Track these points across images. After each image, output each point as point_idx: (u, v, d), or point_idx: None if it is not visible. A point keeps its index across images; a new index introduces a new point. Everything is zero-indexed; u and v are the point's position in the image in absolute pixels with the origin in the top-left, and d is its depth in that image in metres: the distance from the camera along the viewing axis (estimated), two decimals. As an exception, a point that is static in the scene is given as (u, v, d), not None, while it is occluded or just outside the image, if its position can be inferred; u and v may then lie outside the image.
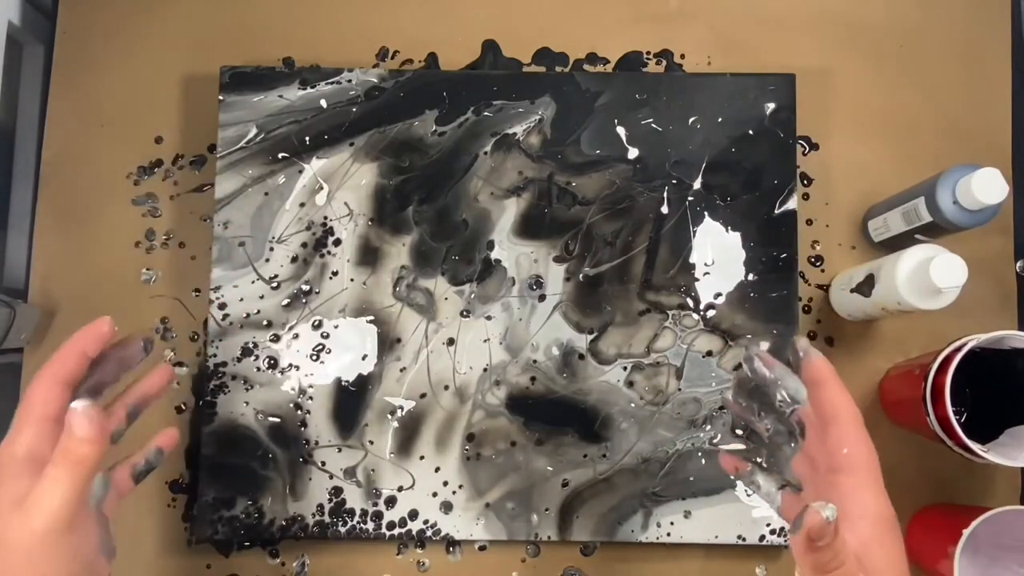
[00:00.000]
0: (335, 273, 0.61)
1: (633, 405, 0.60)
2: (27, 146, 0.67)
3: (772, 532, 0.58)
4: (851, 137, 0.65)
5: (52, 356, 0.44)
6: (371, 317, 0.61)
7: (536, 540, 0.59)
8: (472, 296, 0.61)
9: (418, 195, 0.62)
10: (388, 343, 0.60)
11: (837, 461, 0.41)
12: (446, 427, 0.60)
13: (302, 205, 0.62)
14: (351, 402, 0.60)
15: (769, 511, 0.58)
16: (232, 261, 0.61)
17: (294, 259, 0.61)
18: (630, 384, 0.60)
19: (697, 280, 0.61)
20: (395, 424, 0.60)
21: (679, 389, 0.60)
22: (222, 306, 0.61)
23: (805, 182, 0.65)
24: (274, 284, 0.61)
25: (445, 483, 0.59)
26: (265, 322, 0.60)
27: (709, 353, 0.60)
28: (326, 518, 0.59)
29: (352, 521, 0.59)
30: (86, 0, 0.67)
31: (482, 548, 0.61)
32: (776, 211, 0.61)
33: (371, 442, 0.59)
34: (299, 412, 0.60)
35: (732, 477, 0.49)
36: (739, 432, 0.59)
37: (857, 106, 0.66)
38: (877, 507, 0.40)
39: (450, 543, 0.61)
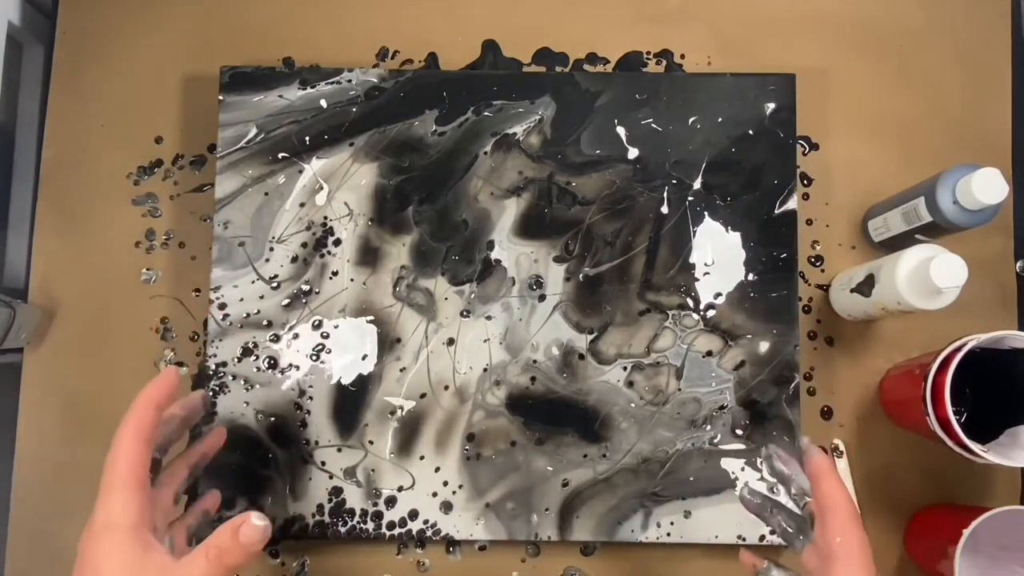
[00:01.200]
0: (335, 273, 0.61)
1: (633, 405, 0.60)
2: (27, 146, 0.67)
3: (772, 532, 0.58)
4: (851, 137, 0.65)
5: (129, 413, 0.44)
6: (371, 317, 0.61)
7: (536, 540, 0.59)
8: (472, 296, 0.61)
9: (418, 195, 0.62)
10: (388, 343, 0.60)
11: (831, 549, 0.45)
12: (446, 427, 0.60)
13: (302, 205, 0.62)
14: (351, 402, 0.60)
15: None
16: (232, 261, 0.61)
17: (294, 259, 0.61)
18: (630, 384, 0.60)
19: (697, 280, 0.61)
20: (395, 424, 0.60)
21: (679, 389, 0.60)
22: (222, 306, 0.60)
23: (805, 182, 0.65)
24: (274, 284, 0.61)
25: (445, 483, 0.59)
26: (265, 322, 0.60)
27: (709, 353, 0.60)
28: (326, 518, 0.59)
29: (352, 521, 0.59)
30: (86, 0, 0.67)
31: (482, 548, 0.61)
32: (776, 211, 0.61)
33: (371, 442, 0.59)
34: (299, 412, 0.60)
35: (751, 574, 0.52)
36: (739, 432, 0.59)
37: (857, 106, 0.66)
38: None
39: (450, 543, 0.61)
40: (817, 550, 0.47)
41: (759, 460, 0.53)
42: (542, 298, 0.61)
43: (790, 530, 0.49)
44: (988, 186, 0.52)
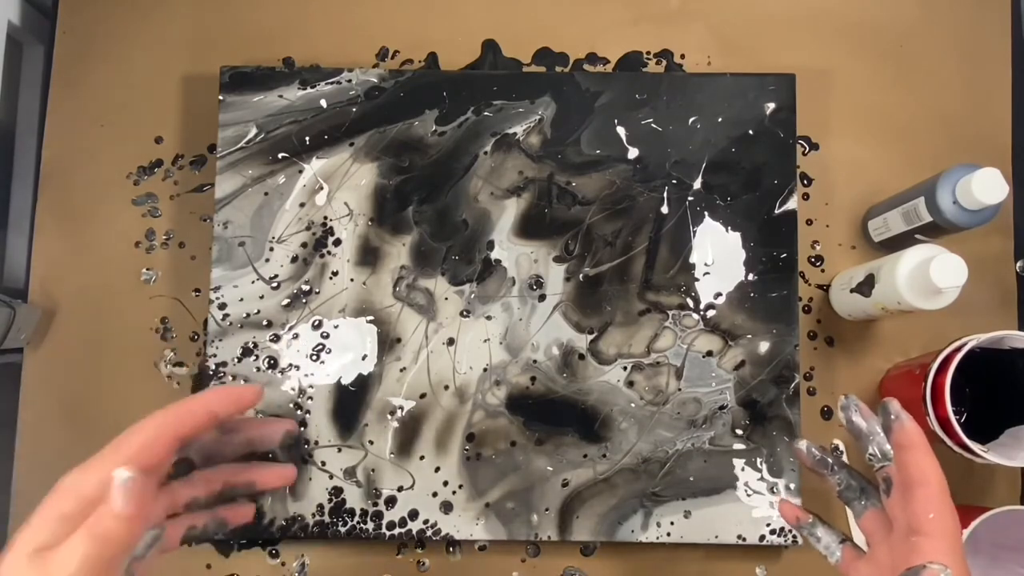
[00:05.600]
0: (335, 273, 0.61)
1: (633, 405, 0.60)
2: (27, 146, 0.67)
3: (772, 532, 0.58)
4: (851, 137, 0.65)
5: (179, 404, 0.41)
6: (371, 317, 0.61)
7: (536, 540, 0.59)
8: (472, 296, 0.61)
9: (418, 195, 0.62)
10: (388, 343, 0.60)
11: (920, 524, 0.42)
12: (446, 427, 0.60)
13: (302, 205, 0.62)
14: (351, 402, 0.60)
15: (770, 511, 0.58)
16: (232, 261, 0.61)
17: (294, 259, 0.61)
18: (630, 384, 0.60)
19: (697, 280, 0.61)
20: (395, 424, 0.60)
21: (679, 389, 0.60)
22: (222, 306, 0.60)
23: (805, 182, 0.65)
24: (274, 284, 0.61)
25: (445, 483, 0.59)
26: (265, 322, 0.60)
27: (709, 353, 0.60)
28: (326, 518, 0.59)
29: (352, 521, 0.59)
30: (86, 0, 0.67)
31: (482, 548, 0.61)
32: (776, 211, 0.61)
33: (371, 442, 0.59)
34: (299, 412, 0.60)
35: (792, 527, 0.49)
36: (739, 432, 0.59)
37: (857, 106, 0.66)
38: (958, 574, 0.42)
39: (450, 543, 0.61)
40: (886, 520, 0.45)
41: (839, 408, 0.47)
42: (542, 298, 0.61)
43: (851, 491, 0.47)
44: (988, 186, 0.52)
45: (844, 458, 0.62)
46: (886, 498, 0.45)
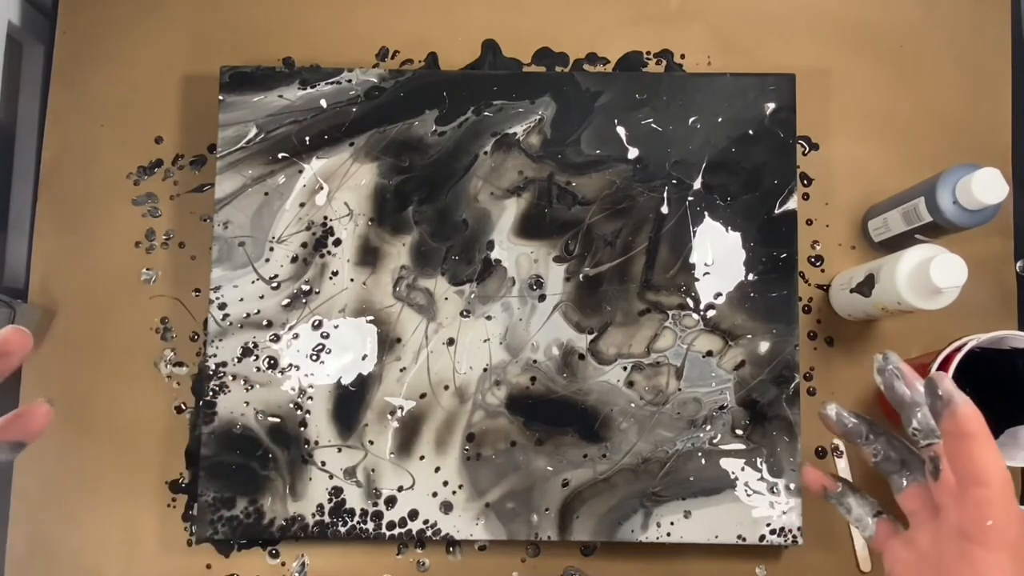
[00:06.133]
0: (335, 273, 0.61)
1: (633, 405, 0.60)
2: (27, 146, 0.67)
3: (772, 532, 0.58)
4: (851, 137, 0.65)
5: None
6: (371, 317, 0.61)
7: (536, 540, 0.59)
8: (472, 296, 0.61)
9: (418, 195, 0.62)
10: (388, 343, 0.60)
11: (976, 531, 0.35)
12: (446, 427, 0.60)
13: (302, 205, 0.62)
14: (351, 402, 0.60)
15: (769, 511, 0.58)
16: (232, 261, 0.61)
17: (294, 259, 0.61)
18: (630, 384, 0.60)
19: (697, 280, 0.61)
20: (395, 424, 0.60)
21: (679, 389, 0.60)
22: (222, 306, 0.60)
23: (805, 182, 0.65)
24: (274, 284, 0.61)
25: (445, 483, 0.59)
26: (265, 322, 0.60)
27: (709, 353, 0.60)
28: (326, 518, 0.59)
29: (352, 521, 0.59)
30: (86, 0, 0.67)
31: (482, 548, 0.61)
32: (776, 211, 0.61)
33: (371, 442, 0.59)
34: (299, 412, 0.60)
35: (821, 497, 0.44)
36: (739, 432, 0.59)
37: (857, 106, 0.66)
38: None
39: (450, 543, 0.61)
40: (932, 504, 0.39)
41: (875, 370, 0.41)
42: (542, 298, 0.61)
43: (889, 463, 0.41)
44: (988, 186, 0.52)
45: (844, 457, 0.61)
46: (933, 481, 0.39)
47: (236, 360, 0.60)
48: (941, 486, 0.38)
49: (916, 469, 0.41)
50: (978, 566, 0.35)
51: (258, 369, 0.60)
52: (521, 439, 0.59)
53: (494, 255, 0.61)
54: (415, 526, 0.59)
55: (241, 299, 0.61)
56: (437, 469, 0.59)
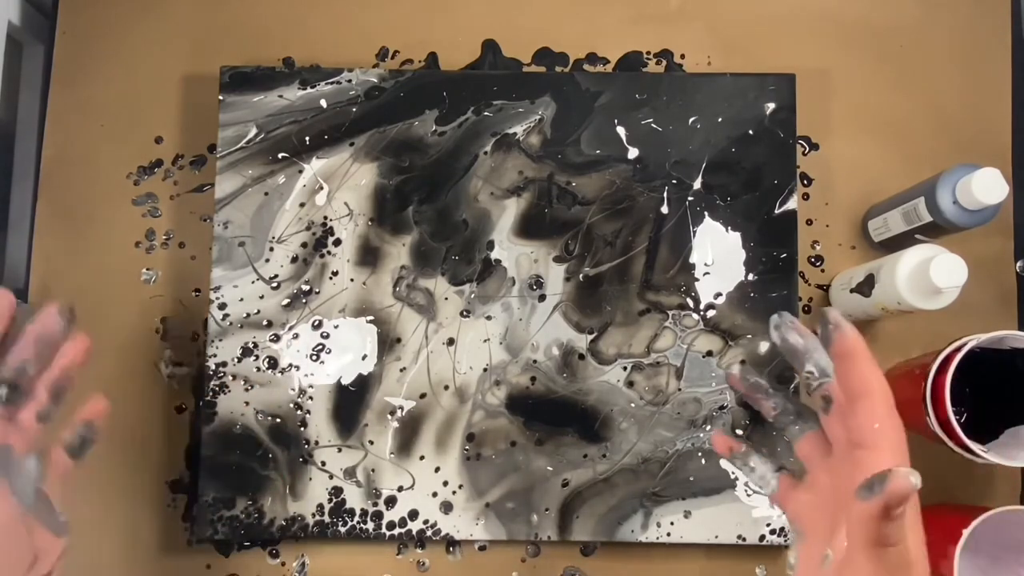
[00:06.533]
0: (335, 273, 0.61)
1: (633, 405, 0.60)
2: (27, 146, 0.67)
3: (772, 532, 0.58)
4: (851, 137, 0.65)
5: None
6: (371, 317, 0.61)
7: (536, 540, 0.59)
8: (472, 296, 0.61)
9: (418, 195, 0.62)
10: (388, 343, 0.60)
11: (864, 436, 0.40)
12: (446, 427, 0.60)
13: (302, 205, 0.62)
14: (351, 402, 0.60)
15: (769, 511, 0.58)
16: (232, 261, 0.61)
17: (294, 259, 0.61)
18: (630, 384, 0.60)
19: (697, 280, 0.61)
20: (395, 424, 0.60)
21: (679, 389, 0.60)
22: (222, 306, 0.60)
23: (805, 182, 0.65)
24: (274, 284, 0.61)
25: (445, 483, 0.59)
26: (265, 322, 0.60)
27: (709, 353, 0.60)
28: (326, 518, 0.59)
29: (352, 521, 0.59)
30: (86, 0, 0.67)
31: (482, 548, 0.61)
32: (776, 211, 0.61)
33: (371, 442, 0.59)
34: (299, 412, 0.60)
35: (724, 458, 0.47)
36: (739, 432, 0.59)
37: (857, 106, 0.66)
38: None
39: (450, 543, 0.61)
40: (824, 441, 0.43)
41: (771, 327, 0.44)
42: (542, 298, 0.61)
43: (786, 415, 0.45)
44: (988, 186, 0.52)
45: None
46: (825, 417, 0.42)
47: (236, 360, 0.60)
48: (831, 419, 0.42)
49: (809, 418, 0.44)
50: (866, 464, 0.39)
51: (258, 369, 0.60)
52: (521, 439, 0.59)
53: (494, 255, 0.61)
54: (415, 526, 0.59)
55: (241, 299, 0.61)
56: (437, 469, 0.59)
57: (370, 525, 0.59)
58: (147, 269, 0.64)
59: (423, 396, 0.60)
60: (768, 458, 0.46)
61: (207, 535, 0.59)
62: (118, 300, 0.64)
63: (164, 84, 0.66)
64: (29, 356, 0.45)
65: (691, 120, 0.62)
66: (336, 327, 0.61)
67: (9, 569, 0.40)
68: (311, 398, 0.60)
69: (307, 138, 0.62)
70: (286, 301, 0.61)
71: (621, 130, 0.62)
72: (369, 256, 0.61)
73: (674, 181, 0.62)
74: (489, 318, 0.61)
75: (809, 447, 0.44)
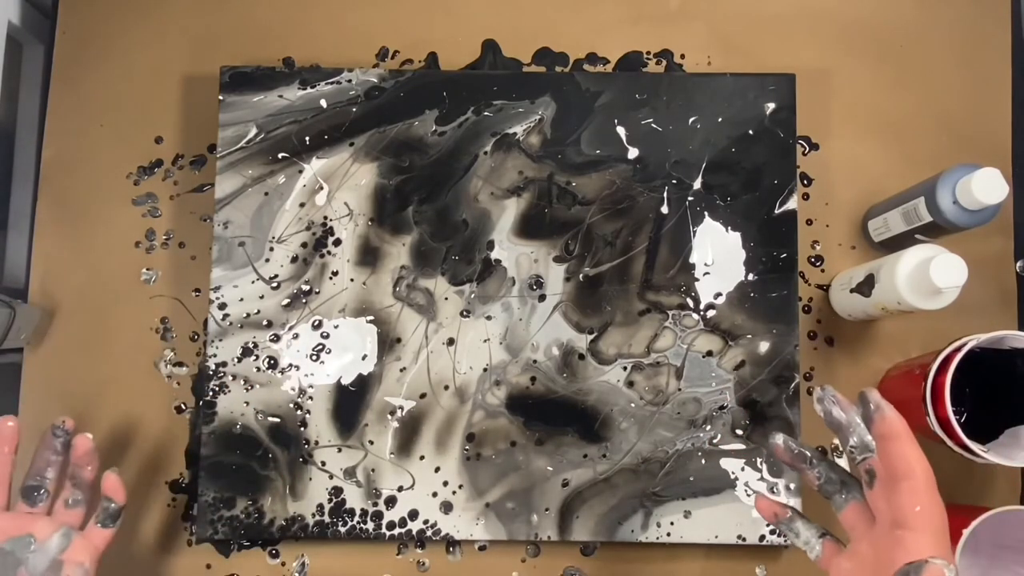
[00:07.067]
0: (335, 273, 0.61)
1: (633, 405, 0.60)
2: (27, 146, 0.67)
3: (772, 532, 0.58)
4: (851, 137, 0.65)
5: None
6: (371, 317, 0.61)
7: (536, 540, 0.59)
8: (472, 296, 0.61)
9: (418, 195, 0.62)
10: (388, 343, 0.60)
11: (905, 518, 0.41)
12: (446, 427, 0.60)
13: (302, 205, 0.62)
14: (351, 402, 0.60)
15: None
16: (232, 261, 0.61)
17: (294, 259, 0.61)
18: (630, 384, 0.60)
19: (697, 280, 0.61)
20: (395, 424, 0.60)
21: (679, 389, 0.60)
22: (222, 306, 0.60)
23: (805, 182, 0.65)
24: (274, 284, 0.61)
25: (445, 483, 0.59)
26: (265, 322, 0.60)
27: (709, 353, 0.60)
28: (326, 518, 0.59)
29: (352, 521, 0.59)
30: (86, 0, 0.67)
31: (482, 548, 0.61)
32: (776, 211, 0.61)
33: (371, 442, 0.59)
34: (299, 412, 0.60)
35: (770, 525, 0.48)
36: (739, 432, 0.59)
37: (857, 106, 0.66)
38: None
39: (450, 543, 0.61)
40: (869, 514, 0.44)
41: (815, 401, 0.46)
42: (542, 298, 0.61)
43: (831, 484, 0.46)
44: (988, 186, 0.52)
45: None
46: (869, 491, 0.44)
47: (236, 360, 0.60)
48: (875, 493, 0.43)
49: (854, 489, 0.45)
50: (907, 545, 0.40)
51: (258, 369, 0.60)
52: (521, 439, 0.59)
53: (494, 255, 0.61)
54: (415, 526, 0.59)
55: (241, 299, 0.61)
56: (437, 469, 0.59)
57: (370, 525, 0.59)
58: (147, 269, 0.64)
59: (423, 396, 0.60)
60: (812, 524, 0.47)
61: (207, 535, 0.59)
62: (118, 300, 0.64)
63: (164, 84, 0.66)
64: (43, 466, 0.54)
65: (691, 120, 0.62)
66: (336, 327, 0.61)
67: None
68: (311, 398, 0.60)
69: (307, 138, 0.62)
70: (286, 301, 0.61)
71: (621, 130, 0.62)
72: (369, 256, 0.61)
73: (674, 181, 0.62)
74: (489, 318, 0.61)
75: (853, 517, 0.45)
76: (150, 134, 0.66)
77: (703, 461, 0.59)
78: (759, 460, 0.59)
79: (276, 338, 0.60)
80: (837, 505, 0.46)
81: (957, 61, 0.66)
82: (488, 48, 0.66)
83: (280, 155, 0.62)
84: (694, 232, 0.61)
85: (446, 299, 0.61)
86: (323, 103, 0.62)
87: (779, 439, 0.47)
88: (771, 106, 0.62)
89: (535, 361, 0.60)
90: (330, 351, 0.60)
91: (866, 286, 0.57)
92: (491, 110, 0.62)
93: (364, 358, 0.60)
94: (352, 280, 0.61)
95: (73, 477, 0.54)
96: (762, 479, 0.58)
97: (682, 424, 0.59)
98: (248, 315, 0.60)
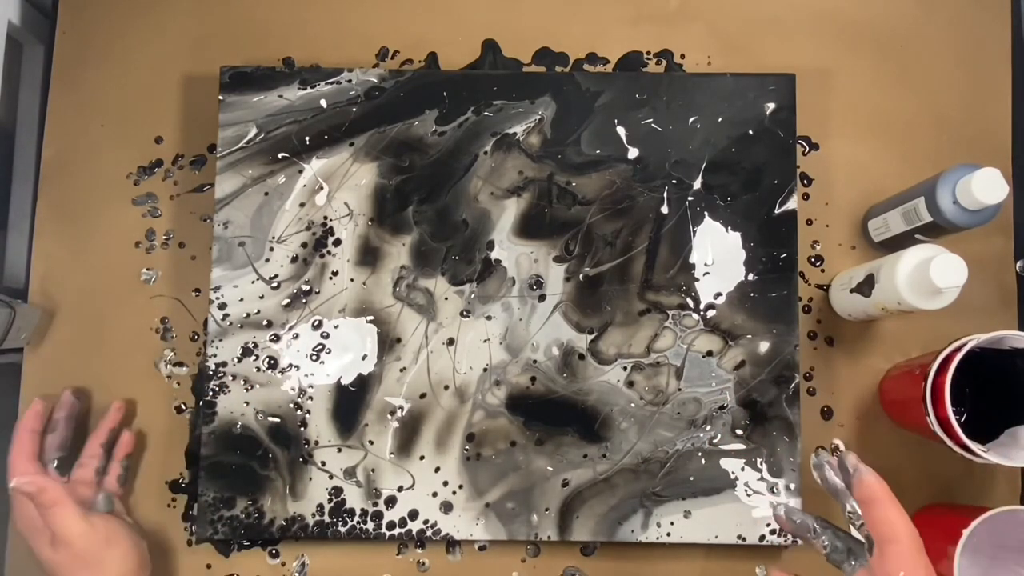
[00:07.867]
0: (335, 273, 0.61)
1: (633, 405, 0.60)
2: (27, 146, 0.67)
3: (772, 532, 0.58)
4: (851, 137, 0.65)
5: (12, 444, 0.56)
6: (371, 317, 0.61)
7: (536, 540, 0.59)
8: (472, 296, 0.61)
9: (418, 195, 0.62)
10: (388, 343, 0.60)
11: None
12: (446, 427, 0.60)
13: (302, 205, 0.62)
14: (351, 402, 0.60)
15: (769, 511, 0.58)
16: (232, 261, 0.61)
17: (294, 259, 0.61)
18: (630, 384, 0.60)
19: (697, 280, 0.61)
20: (395, 424, 0.60)
21: (679, 389, 0.60)
22: (222, 306, 0.60)
23: (805, 182, 0.65)
24: (274, 284, 0.61)
25: (445, 483, 0.59)
26: (265, 322, 0.60)
27: (709, 353, 0.60)
28: (326, 518, 0.59)
29: (352, 521, 0.59)
30: (86, 0, 0.67)
31: (482, 548, 0.61)
32: (776, 211, 0.61)
33: (371, 442, 0.59)
34: (299, 412, 0.60)
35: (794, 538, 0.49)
36: (739, 432, 0.59)
37: (857, 106, 0.66)
38: None
39: (450, 543, 0.61)
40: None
41: (812, 468, 0.48)
42: (542, 298, 0.61)
43: (838, 553, 0.47)
44: (988, 186, 0.52)
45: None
46: (870, 556, 0.44)
47: (236, 360, 0.60)
48: (873, 559, 0.44)
49: (860, 555, 0.46)
50: None
51: (258, 369, 0.60)
52: (521, 439, 0.59)
53: (494, 255, 0.61)
54: (415, 526, 0.59)
55: (241, 299, 0.61)
56: (437, 469, 0.59)
57: (370, 525, 0.59)
58: (147, 269, 0.64)
59: (423, 396, 0.60)
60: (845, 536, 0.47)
61: (207, 535, 0.59)
62: (118, 300, 0.64)
63: (164, 84, 0.66)
64: (64, 434, 0.59)
65: (691, 120, 0.62)
66: (336, 327, 0.61)
67: (136, 543, 0.55)
68: (311, 398, 0.60)
69: (307, 138, 0.62)
70: (286, 301, 0.61)
71: (621, 130, 0.62)
72: (369, 256, 0.61)
73: (674, 181, 0.62)
74: (489, 318, 0.61)
75: None
76: (150, 134, 0.66)
77: (703, 461, 0.59)
78: (759, 460, 0.59)
79: (276, 338, 0.60)
80: (847, 573, 0.46)
81: (957, 61, 0.66)
82: (488, 48, 0.66)
83: (280, 155, 0.62)
84: (694, 232, 0.61)
85: (446, 299, 0.61)
86: (323, 103, 0.62)
87: (780, 510, 0.48)
88: (771, 106, 0.62)
89: (535, 361, 0.60)
90: (330, 351, 0.60)
91: (866, 286, 0.57)
92: (491, 110, 0.62)
93: (364, 358, 0.60)
94: (352, 280, 0.61)
95: (108, 442, 0.60)
96: (762, 479, 0.58)
97: (682, 424, 0.59)
98: (248, 315, 0.60)
